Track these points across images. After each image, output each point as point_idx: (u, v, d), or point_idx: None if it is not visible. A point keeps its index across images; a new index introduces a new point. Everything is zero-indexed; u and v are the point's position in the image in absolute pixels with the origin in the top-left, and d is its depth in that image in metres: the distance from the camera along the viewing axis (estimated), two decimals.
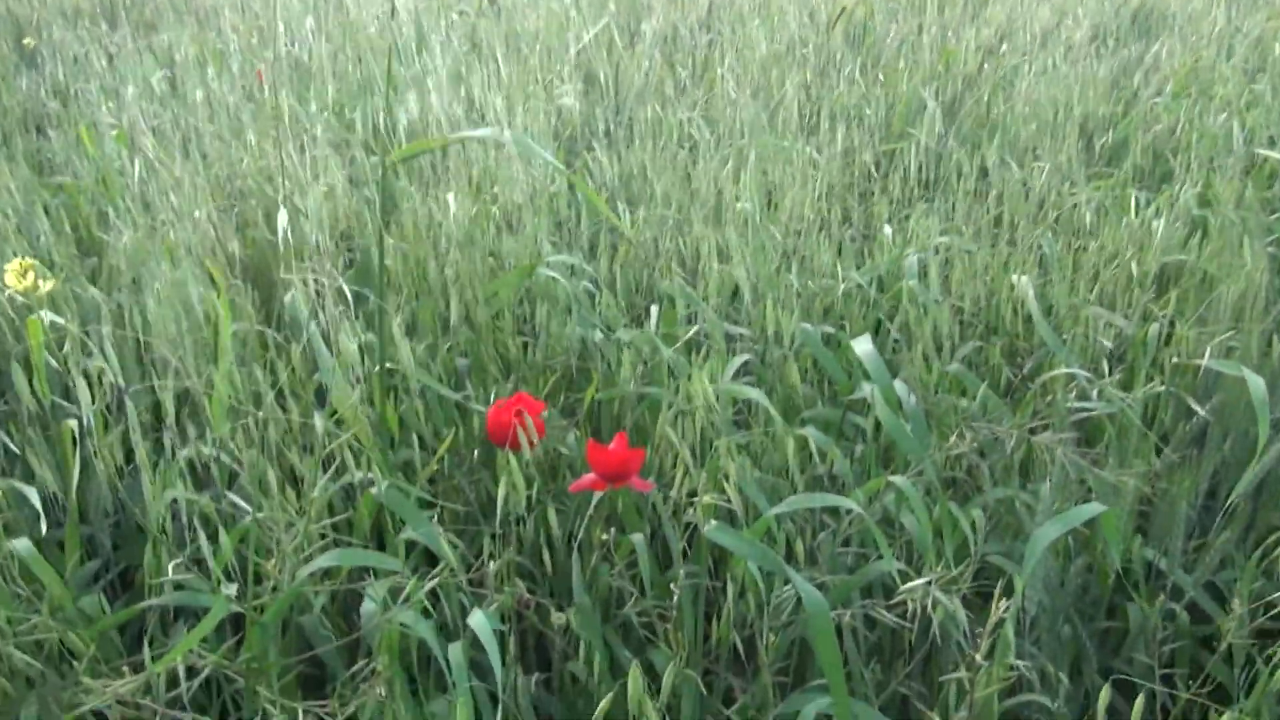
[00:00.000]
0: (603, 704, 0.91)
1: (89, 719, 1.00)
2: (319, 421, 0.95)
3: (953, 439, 1.12)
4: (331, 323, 1.13)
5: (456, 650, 0.98)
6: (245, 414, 1.06)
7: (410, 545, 1.14)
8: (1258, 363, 1.32)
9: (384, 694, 0.99)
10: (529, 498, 1.10)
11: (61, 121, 2.29)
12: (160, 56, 2.60)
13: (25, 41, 2.97)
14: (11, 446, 1.19)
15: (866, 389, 1.25)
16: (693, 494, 1.12)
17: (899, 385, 1.26)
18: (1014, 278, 1.44)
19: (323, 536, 1.10)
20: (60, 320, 1.10)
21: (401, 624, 0.99)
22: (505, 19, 2.62)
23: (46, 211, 1.77)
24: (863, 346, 1.28)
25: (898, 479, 1.08)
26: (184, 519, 1.03)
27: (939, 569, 0.96)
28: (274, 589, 0.99)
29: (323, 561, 0.99)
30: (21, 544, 1.01)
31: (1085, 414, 1.27)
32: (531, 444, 1.14)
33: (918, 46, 2.34)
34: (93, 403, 1.01)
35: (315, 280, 1.17)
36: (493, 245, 1.55)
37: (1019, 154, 1.88)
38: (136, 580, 1.11)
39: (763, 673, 1.05)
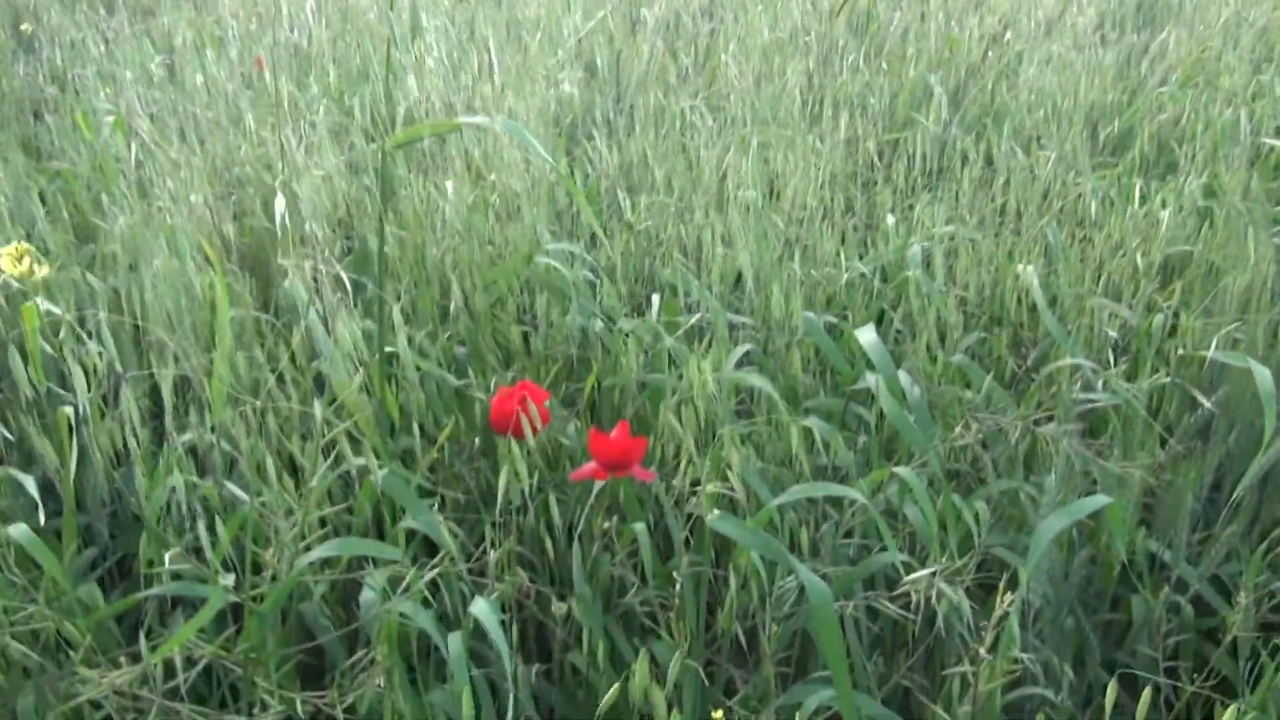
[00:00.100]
0: (610, 693, 0.90)
1: (86, 710, 0.99)
2: (318, 409, 0.94)
3: (958, 430, 1.11)
4: (330, 310, 1.12)
5: (456, 640, 0.97)
6: (244, 401, 1.05)
7: (410, 534, 1.13)
8: (1264, 354, 1.31)
9: (383, 684, 0.98)
10: (530, 487, 1.09)
11: (59, 107, 2.28)
12: (159, 42, 2.58)
13: (23, 27, 2.95)
14: (8, 435, 1.18)
15: (870, 379, 1.24)
16: (695, 483, 1.11)
17: (903, 375, 1.25)
18: (1019, 267, 1.43)
19: (322, 524, 1.09)
20: (57, 307, 1.08)
21: (401, 614, 0.98)
22: (506, 6, 2.60)
23: (43, 199, 1.76)
24: (866, 336, 1.27)
25: (902, 470, 1.08)
26: (183, 507, 1.02)
27: (944, 560, 0.96)
28: (273, 578, 0.98)
29: (322, 551, 0.98)
30: (19, 530, 1.00)
31: (1090, 405, 1.26)
32: (535, 430, 1.14)
33: (921, 34, 2.32)
34: (89, 389, 1.00)
35: (313, 267, 1.16)
36: (492, 233, 1.54)
37: (1024, 143, 1.87)
38: (134, 569, 1.10)
39: (764, 664, 1.05)
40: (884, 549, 1.09)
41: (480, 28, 2.20)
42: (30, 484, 1.01)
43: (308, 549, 0.98)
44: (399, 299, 1.37)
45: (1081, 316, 1.42)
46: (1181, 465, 1.23)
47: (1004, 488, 1.20)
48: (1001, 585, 0.88)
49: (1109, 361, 1.33)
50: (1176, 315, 1.42)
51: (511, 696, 0.94)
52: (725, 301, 1.49)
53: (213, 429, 1.08)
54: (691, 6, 2.55)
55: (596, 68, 2.18)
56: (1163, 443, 1.28)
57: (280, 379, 1.12)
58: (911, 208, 1.64)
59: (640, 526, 1.12)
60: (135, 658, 0.91)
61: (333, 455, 0.99)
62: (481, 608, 0.98)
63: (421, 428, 1.24)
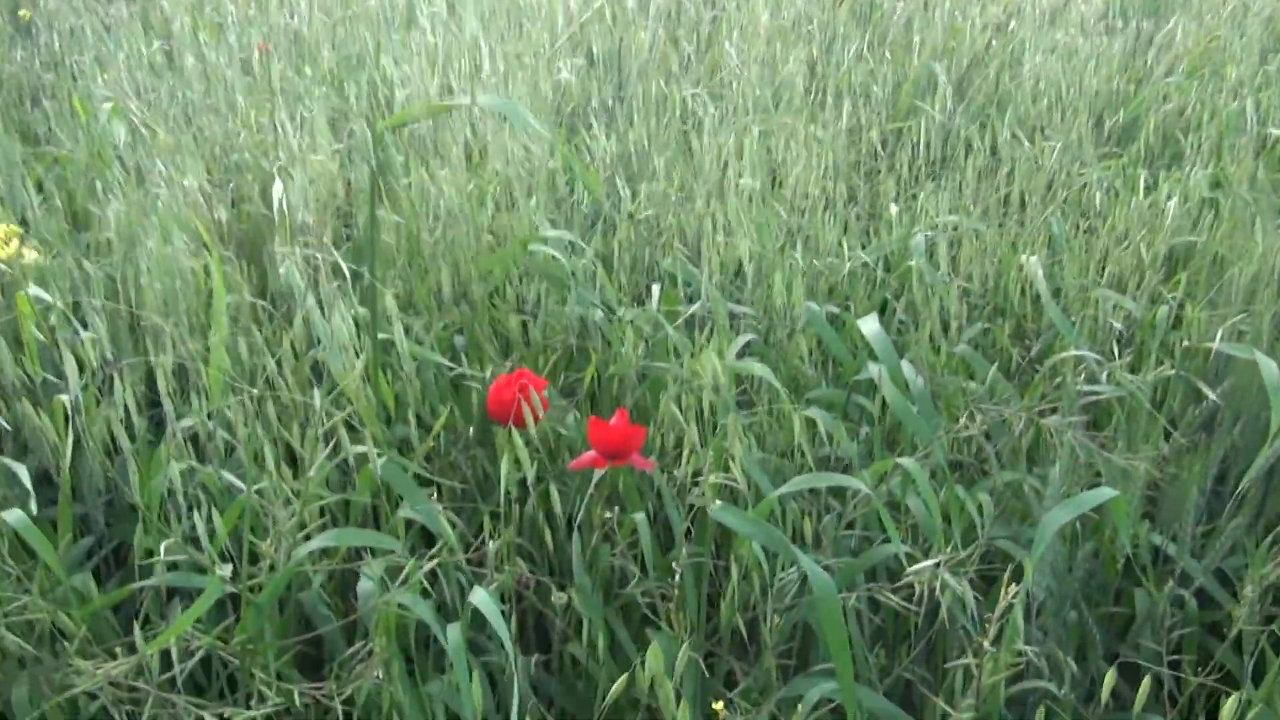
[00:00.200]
0: (619, 683, 0.89)
1: (82, 701, 0.98)
2: (318, 397, 0.93)
3: (962, 421, 1.10)
4: (325, 298, 1.11)
5: (455, 631, 0.96)
6: (241, 389, 1.04)
7: (408, 524, 1.12)
8: (1270, 346, 1.30)
9: (381, 676, 0.97)
10: (529, 477, 1.08)
11: (56, 93, 2.26)
12: (157, 28, 2.56)
13: (20, 13, 2.93)
14: (3, 424, 1.17)
15: (872, 369, 1.23)
16: (697, 474, 1.10)
17: (906, 366, 1.24)
18: (1023, 258, 1.41)
19: (322, 514, 1.08)
20: (49, 294, 1.07)
21: (400, 605, 0.97)
22: None
23: (40, 186, 1.75)
24: (869, 326, 1.26)
25: (906, 461, 1.07)
26: (178, 496, 1.01)
27: (949, 552, 0.95)
28: (271, 568, 0.98)
29: (320, 541, 0.97)
30: (14, 515, 0.99)
31: (1094, 397, 1.25)
32: (536, 417, 1.13)
33: (925, 22, 2.30)
34: (80, 376, 0.99)
35: (309, 254, 1.14)
36: (490, 221, 1.52)
37: (1028, 132, 1.86)
38: (130, 558, 1.10)
39: (766, 656, 1.04)
40: (886, 540, 1.08)
41: (482, 12, 2.18)
42: (23, 473, 1.00)
43: (306, 539, 0.97)
44: (393, 286, 1.36)
45: (1085, 308, 1.41)
46: (1186, 458, 1.22)
47: (1008, 479, 1.19)
48: (1006, 577, 0.87)
49: (1113, 353, 1.32)
50: (1181, 307, 1.41)
51: (515, 687, 0.93)
52: (726, 291, 1.47)
53: (210, 416, 1.07)
54: None
55: (598, 55, 2.16)
56: (1167, 435, 1.27)
57: (280, 365, 1.11)
58: (915, 197, 1.63)
59: (640, 516, 1.11)
60: (131, 648, 0.90)
61: (332, 444, 0.98)
62: (481, 597, 0.97)
63: (418, 417, 1.23)
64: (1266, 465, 1.18)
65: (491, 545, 1.06)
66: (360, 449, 1.02)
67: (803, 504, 1.15)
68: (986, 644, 0.86)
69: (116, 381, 0.99)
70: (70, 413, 1.01)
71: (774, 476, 1.16)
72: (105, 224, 1.40)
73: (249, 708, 0.97)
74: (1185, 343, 1.32)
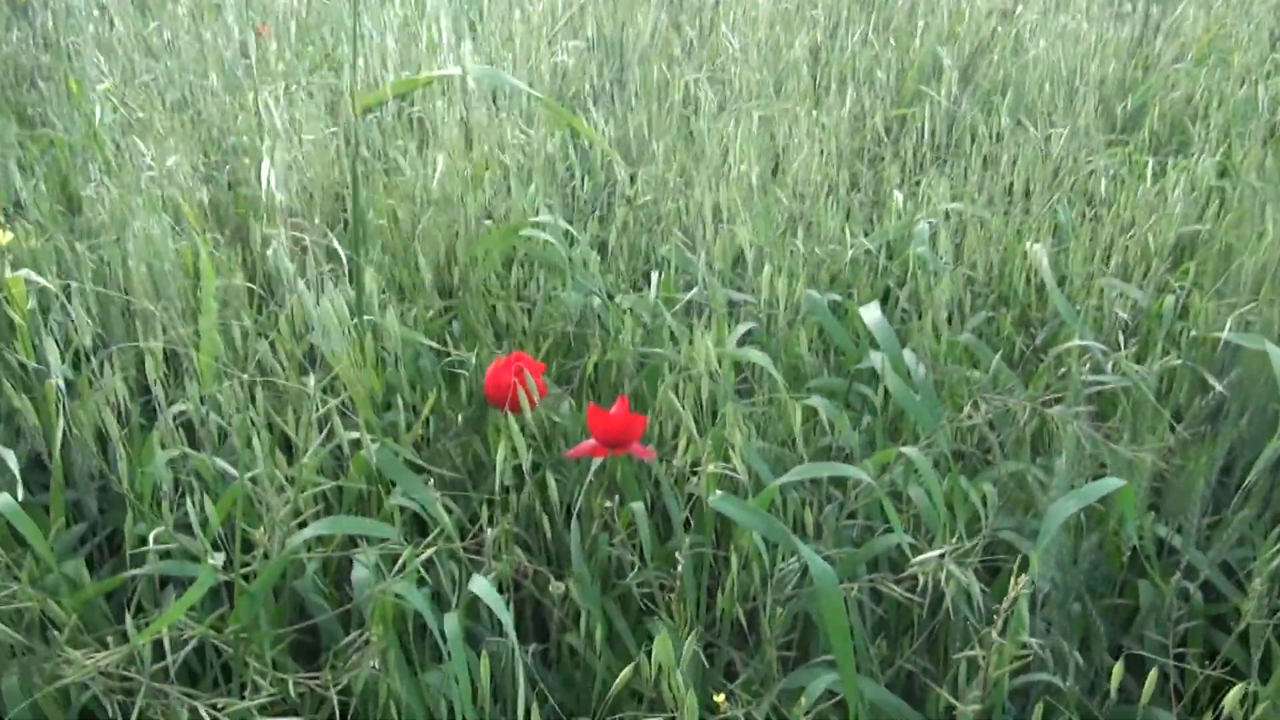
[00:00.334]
0: (624, 673, 0.88)
1: (73, 691, 0.97)
2: (312, 382, 0.91)
3: (966, 410, 1.08)
4: (311, 280, 1.09)
5: (452, 621, 0.95)
6: (233, 374, 1.02)
7: (400, 512, 1.11)
8: (1279, 336, 1.28)
9: (378, 666, 0.96)
10: (525, 465, 1.07)
11: (52, 74, 2.24)
12: (154, 9, 2.54)
13: None
14: None
15: (874, 358, 1.22)
16: (695, 463, 1.09)
17: (908, 355, 1.23)
18: (1028, 246, 1.40)
19: (317, 501, 1.07)
20: (42, 278, 1.06)
21: (396, 594, 0.96)
22: None
23: (32, 168, 1.73)
24: (871, 314, 1.25)
25: (910, 450, 1.05)
26: (165, 484, 0.99)
27: (953, 542, 0.94)
28: (264, 556, 0.96)
29: (314, 529, 0.96)
30: (2, 500, 0.98)
31: (1099, 387, 1.24)
32: (533, 403, 1.11)
33: (930, 7, 2.28)
34: (63, 361, 0.97)
35: (293, 236, 1.13)
36: (487, 205, 1.51)
37: (1034, 118, 1.84)
38: (123, 545, 1.08)
39: (766, 647, 1.03)
40: (890, 530, 1.07)
41: None
42: (11, 458, 0.98)
43: (301, 526, 0.96)
44: (383, 270, 1.34)
45: (1090, 297, 1.39)
46: (1192, 449, 1.21)
47: (1011, 470, 1.18)
48: (1014, 569, 0.85)
49: (1119, 343, 1.31)
50: (1188, 296, 1.40)
51: (520, 678, 0.92)
52: (727, 279, 1.46)
53: (202, 400, 1.06)
54: None
55: (600, 38, 2.14)
56: (1172, 427, 1.25)
57: (272, 349, 1.10)
58: (919, 184, 1.61)
59: (638, 506, 1.10)
60: (124, 637, 0.89)
61: (326, 430, 0.97)
62: (481, 585, 0.96)
63: (413, 407, 1.22)
64: (1275, 457, 1.17)
65: (489, 533, 1.05)
66: (353, 435, 1.00)
67: (803, 494, 1.14)
68: (995, 636, 0.85)
69: (106, 366, 0.97)
70: (60, 397, 0.99)
71: (774, 466, 1.14)
72: (93, 206, 1.39)
73: (243, 698, 0.95)
74: (1192, 333, 1.31)
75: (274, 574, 0.96)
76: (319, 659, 1.14)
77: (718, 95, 1.84)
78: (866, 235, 1.53)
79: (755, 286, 1.44)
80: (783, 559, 1.04)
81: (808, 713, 0.90)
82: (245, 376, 0.99)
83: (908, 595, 0.97)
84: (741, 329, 1.31)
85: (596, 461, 1.14)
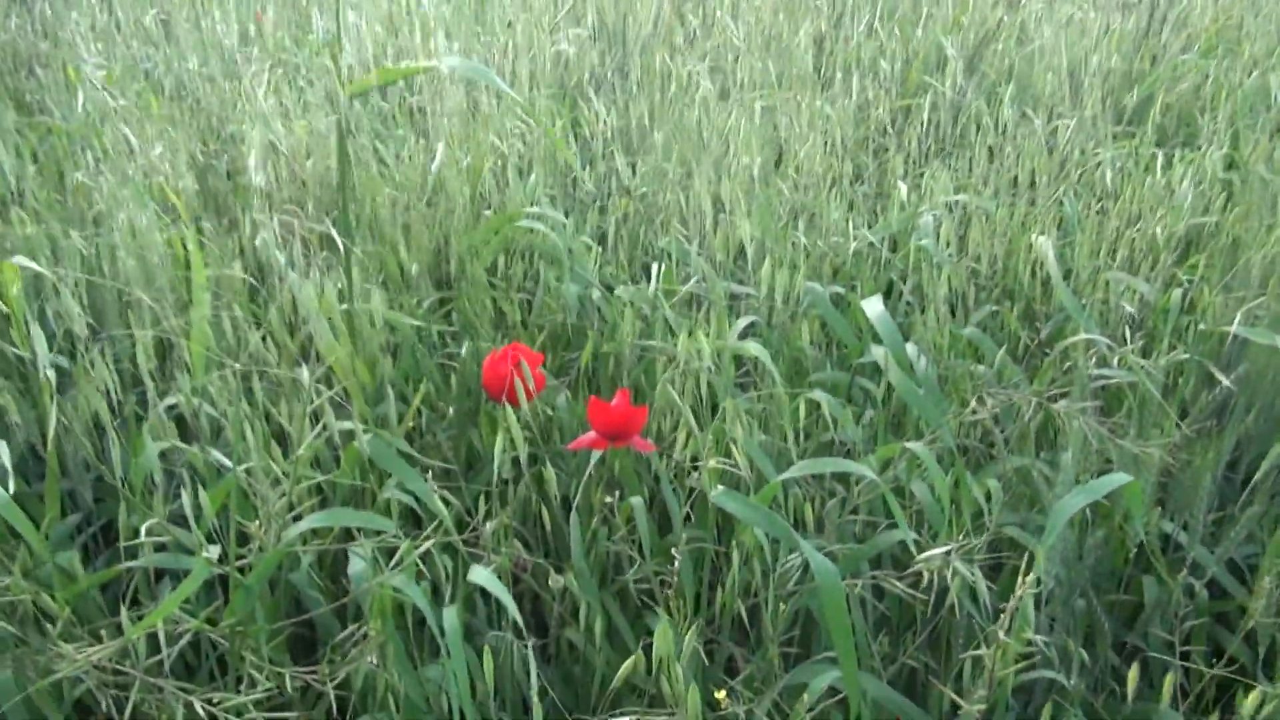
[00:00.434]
0: (625, 666, 0.87)
1: (66, 685, 0.96)
2: (305, 374, 0.90)
3: (972, 405, 1.07)
4: (300, 268, 1.08)
5: (451, 615, 0.94)
6: (226, 364, 1.01)
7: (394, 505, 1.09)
8: None
9: (376, 661, 0.95)
10: (519, 458, 1.05)
11: (50, 62, 2.23)
12: None
13: None
14: None
15: (876, 352, 1.20)
16: (695, 457, 1.07)
17: (910, 348, 1.21)
18: (1033, 238, 1.38)
19: (312, 494, 1.06)
20: (35, 266, 1.04)
21: (394, 588, 0.95)
22: None
23: (34, 155, 1.72)
24: (873, 308, 1.24)
25: (915, 445, 1.04)
26: (156, 474, 0.98)
27: (959, 538, 0.92)
28: (260, 549, 0.95)
29: (310, 522, 0.95)
30: None
31: (1105, 382, 1.23)
32: (529, 395, 1.10)
33: None
34: (54, 348, 0.96)
35: (288, 221, 1.11)
36: (487, 196, 1.49)
37: (1039, 110, 1.82)
38: (119, 536, 1.07)
39: (768, 644, 1.01)
40: (894, 526, 1.06)
41: None
42: (3, 450, 0.97)
43: (296, 519, 0.95)
44: (373, 259, 1.33)
45: (1096, 291, 1.38)
46: (1198, 444, 1.19)
47: (1016, 465, 1.16)
48: (1022, 567, 0.84)
49: (1125, 337, 1.30)
50: (1195, 289, 1.38)
51: (534, 673, 0.90)
52: (728, 272, 1.45)
53: (197, 392, 1.04)
54: None
55: (603, 27, 2.12)
56: (1178, 423, 1.24)
57: (265, 340, 1.09)
58: (923, 176, 1.60)
59: (637, 501, 1.09)
60: (118, 630, 0.88)
61: (321, 424, 0.96)
62: (484, 575, 0.95)
63: (403, 396, 1.21)
64: None
65: (489, 526, 1.03)
66: (346, 424, 0.99)
67: (806, 489, 1.13)
68: (1002, 634, 0.83)
69: (97, 356, 0.96)
70: (49, 387, 0.98)
71: (776, 461, 1.13)
72: (86, 194, 1.37)
73: (239, 692, 0.94)
74: (1200, 327, 1.29)
75: (270, 567, 0.95)
76: (316, 653, 1.13)
77: (720, 85, 1.83)
78: (870, 227, 1.51)
79: (757, 279, 1.43)
80: (784, 555, 1.03)
81: (810, 710, 0.89)
82: (238, 366, 0.98)
83: (911, 592, 0.96)
84: (743, 322, 1.30)
85: (596, 454, 1.13)
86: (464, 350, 1.27)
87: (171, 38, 2.18)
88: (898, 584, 0.96)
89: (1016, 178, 1.62)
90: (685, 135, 1.65)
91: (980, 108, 1.76)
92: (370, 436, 1.00)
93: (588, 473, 1.13)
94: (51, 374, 0.94)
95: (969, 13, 2.19)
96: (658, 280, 1.34)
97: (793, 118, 1.67)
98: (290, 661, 1.06)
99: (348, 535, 1.05)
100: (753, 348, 1.20)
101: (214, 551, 0.92)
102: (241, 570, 0.95)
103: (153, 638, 0.90)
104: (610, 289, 1.37)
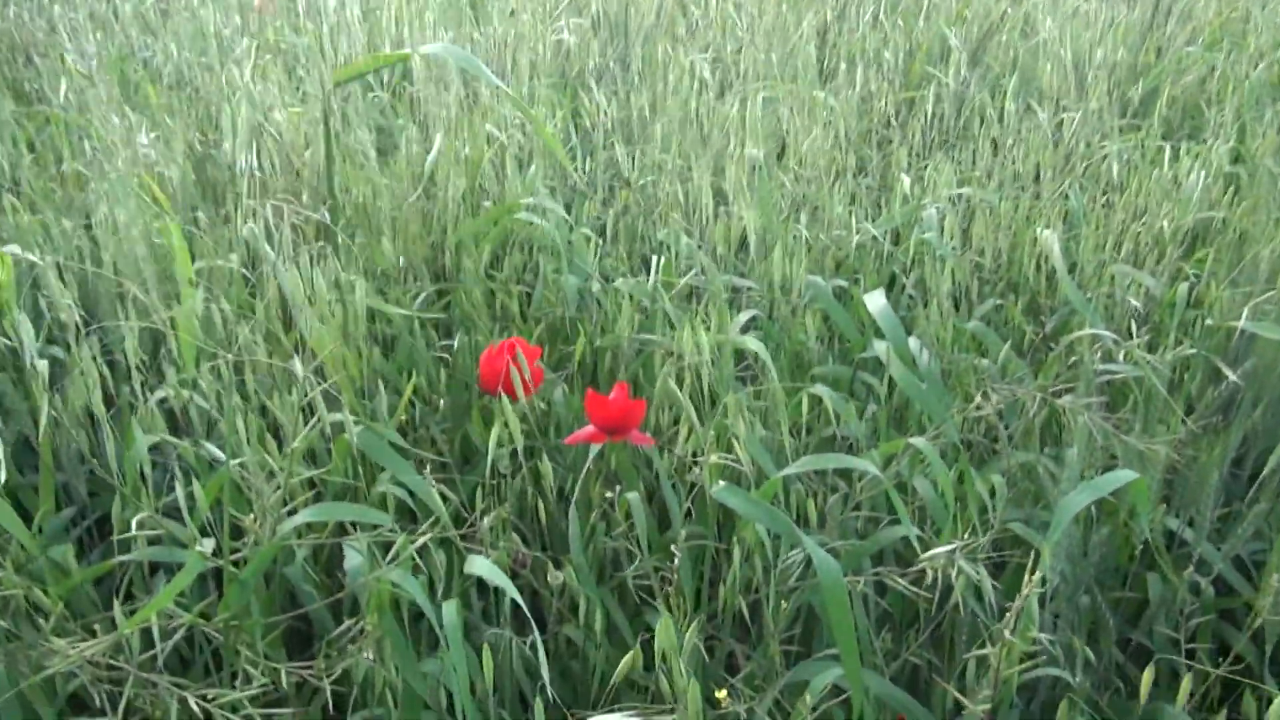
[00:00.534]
0: (624, 661, 0.86)
1: (59, 680, 0.95)
2: (298, 366, 0.89)
3: (977, 400, 1.06)
4: (286, 257, 1.06)
5: (450, 610, 0.92)
6: (216, 356, 0.99)
7: (390, 498, 1.08)
8: None
9: (373, 657, 0.94)
10: (516, 452, 1.04)
11: (49, 50, 2.21)
12: None
13: None
14: None
15: (878, 347, 1.19)
16: (696, 452, 1.06)
17: (913, 342, 1.20)
18: (1038, 231, 1.37)
19: (307, 488, 1.04)
20: (29, 254, 1.03)
21: (392, 583, 0.94)
22: None
23: (30, 144, 1.71)
24: (876, 301, 1.22)
25: (918, 441, 1.03)
26: (146, 467, 0.97)
27: (964, 536, 0.91)
28: (255, 543, 0.94)
29: (306, 515, 0.94)
30: None
31: (1110, 376, 1.21)
32: (527, 389, 1.09)
33: None
34: (40, 338, 0.94)
35: (286, 212, 1.10)
36: (485, 187, 1.48)
37: (1043, 102, 1.81)
38: (113, 530, 1.06)
39: (769, 641, 1.00)
40: (897, 522, 1.05)
41: None
42: None
43: (291, 513, 0.93)
44: (363, 250, 1.32)
45: (1102, 285, 1.36)
46: (1204, 440, 1.18)
47: (1021, 460, 1.15)
48: (1023, 562, 0.83)
49: (1130, 332, 1.28)
50: (1202, 284, 1.37)
51: (545, 668, 0.89)
52: (729, 265, 1.43)
53: (192, 384, 1.03)
54: None
55: (604, 17, 2.11)
56: (1184, 419, 1.23)
57: (253, 332, 1.07)
58: (926, 168, 1.58)
59: (634, 496, 1.07)
60: (112, 624, 0.87)
61: (316, 418, 0.94)
62: (485, 566, 0.94)
63: (395, 389, 1.19)
64: None
65: (486, 520, 1.02)
66: (336, 417, 0.98)
67: (808, 484, 1.11)
68: (1008, 634, 0.82)
69: (86, 347, 0.95)
70: (40, 377, 0.96)
71: (775, 456, 1.12)
72: (77, 182, 1.36)
73: (234, 687, 0.93)
74: (1207, 321, 1.28)
75: (264, 561, 0.94)
76: (312, 648, 1.12)
77: (723, 76, 1.81)
78: (873, 220, 1.50)
79: (758, 272, 1.41)
80: (786, 551, 1.02)
81: (814, 710, 0.88)
82: (230, 357, 0.96)
83: (915, 589, 0.95)
84: (745, 316, 1.29)
85: (594, 449, 1.12)
86: (457, 343, 1.25)
87: (170, 26, 2.17)
88: (901, 582, 0.95)
89: (1020, 171, 1.61)
90: (686, 126, 1.64)
91: (984, 100, 1.74)
92: (361, 429, 0.99)
93: (586, 467, 1.11)
94: (44, 365, 0.93)
95: (973, 5, 2.17)
96: (657, 273, 1.32)
97: (793, 109, 1.65)
98: (286, 657, 1.05)
99: (342, 530, 1.04)
100: (751, 343, 1.19)
101: (208, 545, 0.91)
102: (236, 564, 0.94)
103: (147, 632, 0.89)
104: (609, 281, 1.36)
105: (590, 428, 1.08)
